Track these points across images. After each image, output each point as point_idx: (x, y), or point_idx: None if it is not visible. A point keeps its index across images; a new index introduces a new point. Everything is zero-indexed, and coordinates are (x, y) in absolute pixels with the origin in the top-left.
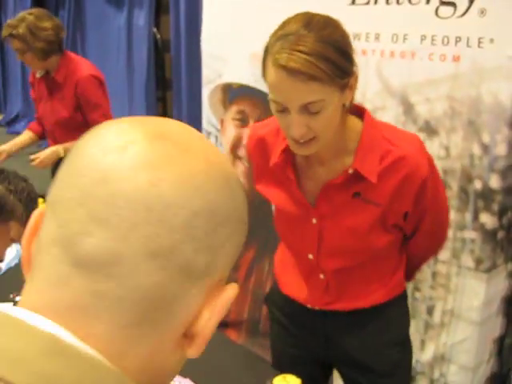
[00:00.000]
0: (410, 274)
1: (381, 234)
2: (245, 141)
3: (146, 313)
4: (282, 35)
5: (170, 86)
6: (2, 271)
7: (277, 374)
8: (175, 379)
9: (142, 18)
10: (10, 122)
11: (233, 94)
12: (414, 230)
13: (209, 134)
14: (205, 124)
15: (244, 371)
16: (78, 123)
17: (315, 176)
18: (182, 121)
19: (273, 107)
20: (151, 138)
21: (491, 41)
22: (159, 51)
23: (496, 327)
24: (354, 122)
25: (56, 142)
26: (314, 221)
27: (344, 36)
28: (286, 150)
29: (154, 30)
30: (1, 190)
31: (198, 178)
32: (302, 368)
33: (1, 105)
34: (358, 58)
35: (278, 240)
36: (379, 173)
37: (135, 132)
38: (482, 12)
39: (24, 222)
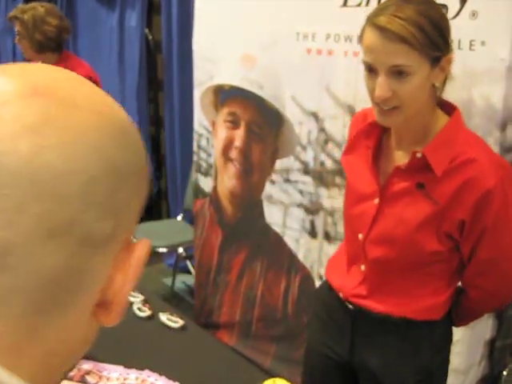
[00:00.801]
0: (459, 318)
1: (431, 237)
2: (237, 143)
3: (49, 297)
4: (383, 5)
5: (161, 87)
6: None
7: (266, 378)
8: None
9: (133, 18)
10: None
11: (224, 95)
12: (471, 255)
13: (200, 135)
14: (196, 126)
15: (233, 374)
16: None
17: (392, 158)
18: (173, 122)
19: (364, 68)
20: (27, 96)
21: (483, 43)
22: (151, 52)
23: (487, 329)
24: (442, 116)
25: None
26: (376, 201)
27: (442, 16)
28: (374, 123)
29: (146, 30)
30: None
31: (89, 135)
32: (327, 371)
33: None
34: (350, 60)
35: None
36: (446, 169)
37: (7, 90)
38: (474, 14)
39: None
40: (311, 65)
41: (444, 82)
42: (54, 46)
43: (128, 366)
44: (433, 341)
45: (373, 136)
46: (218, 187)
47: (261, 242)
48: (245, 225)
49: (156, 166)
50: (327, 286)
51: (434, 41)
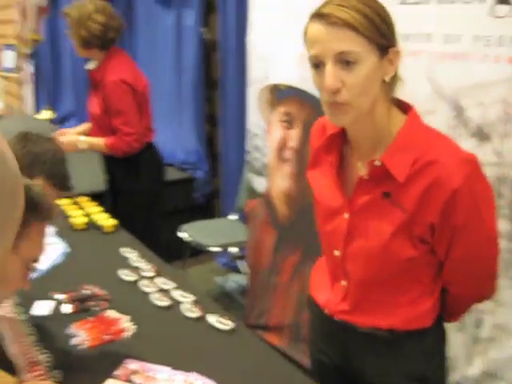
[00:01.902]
0: (448, 315)
1: (405, 245)
2: (291, 143)
3: None
4: (327, 1)
5: (217, 86)
6: (46, 268)
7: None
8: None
9: (190, 17)
10: (62, 121)
11: (280, 95)
12: (446, 255)
13: (255, 135)
14: (248, 124)
15: (283, 378)
16: (106, 124)
17: (356, 169)
18: (228, 121)
19: (311, 66)
20: None
21: None
22: (207, 51)
23: None
24: (398, 116)
25: (93, 134)
26: (346, 215)
27: (385, 10)
28: (334, 136)
29: (202, 29)
30: (38, 188)
31: None
32: (328, 376)
33: (53, 104)
34: (407, 60)
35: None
36: (409, 174)
37: None
38: None
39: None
40: None
41: (395, 80)
42: (100, 44)
43: (175, 367)
44: (425, 348)
45: (334, 150)
46: (272, 188)
47: (313, 244)
48: (298, 226)
49: (211, 165)
50: (311, 300)
51: (379, 28)
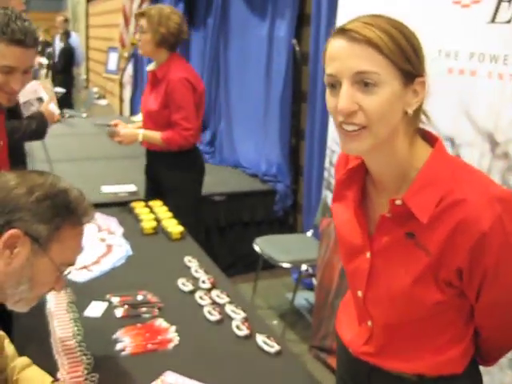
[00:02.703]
0: (483, 359)
1: (430, 289)
2: None
3: None
4: (353, 18)
5: (305, 99)
6: (106, 269)
7: None
8: None
9: (283, 28)
10: None
11: None
12: (477, 299)
13: (332, 152)
14: (329, 141)
15: None
16: (163, 119)
17: (379, 204)
18: (313, 135)
19: (327, 86)
20: None
21: None
22: (297, 63)
23: None
24: (424, 149)
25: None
26: (368, 255)
27: (415, 36)
28: (354, 170)
29: (294, 41)
30: (76, 192)
31: None
32: None
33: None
34: (495, 83)
35: None
36: (434, 214)
37: None
38: None
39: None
40: (451, 85)
41: (418, 113)
42: (171, 43)
43: None
44: None
45: (354, 184)
46: None
47: None
48: None
49: (293, 178)
50: (337, 335)
51: (405, 51)
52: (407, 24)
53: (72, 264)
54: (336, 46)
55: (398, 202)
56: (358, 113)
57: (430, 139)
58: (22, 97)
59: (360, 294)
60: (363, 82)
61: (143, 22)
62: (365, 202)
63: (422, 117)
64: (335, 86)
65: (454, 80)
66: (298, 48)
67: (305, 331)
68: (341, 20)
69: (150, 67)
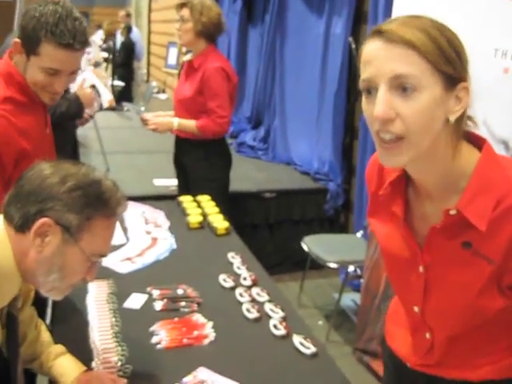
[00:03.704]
0: None
1: (494, 296)
2: None
3: None
4: (390, 19)
5: (360, 97)
6: (149, 262)
7: None
8: None
9: (339, 26)
10: None
11: None
12: None
13: None
14: None
15: None
16: (196, 107)
17: (425, 215)
18: (367, 134)
19: (362, 92)
20: None
21: None
22: (353, 61)
23: None
24: (471, 154)
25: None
26: (421, 269)
27: (458, 38)
28: (395, 182)
29: (350, 39)
30: (109, 182)
31: None
32: None
33: None
34: None
35: None
36: (492, 220)
37: None
38: None
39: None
40: (507, 86)
41: (462, 121)
42: (211, 33)
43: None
44: None
45: (398, 198)
46: None
47: None
48: None
49: (346, 178)
50: (389, 350)
51: (446, 53)
52: (455, 25)
53: (103, 255)
54: (372, 49)
55: (453, 212)
56: (396, 120)
57: (476, 141)
58: (75, 86)
59: (417, 309)
60: (401, 87)
61: (185, 11)
62: (407, 212)
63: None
64: (371, 91)
65: (510, 80)
66: (354, 46)
67: (350, 333)
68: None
69: (187, 57)
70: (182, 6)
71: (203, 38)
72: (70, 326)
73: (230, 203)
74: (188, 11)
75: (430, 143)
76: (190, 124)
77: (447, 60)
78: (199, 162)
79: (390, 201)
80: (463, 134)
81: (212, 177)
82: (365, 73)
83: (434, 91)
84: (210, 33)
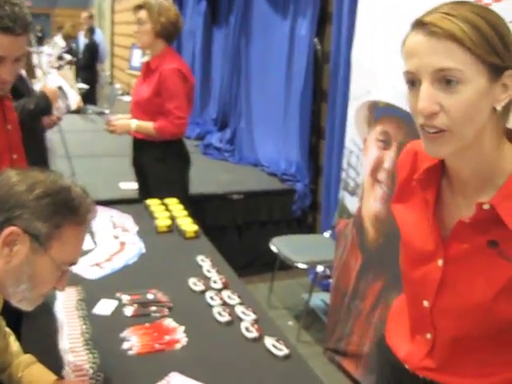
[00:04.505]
0: None
1: (510, 303)
2: (386, 164)
3: None
4: (433, 8)
5: (325, 98)
6: (118, 267)
7: None
8: None
9: (304, 27)
10: None
11: (378, 112)
12: None
13: (351, 152)
14: (347, 142)
15: None
16: (154, 108)
17: (455, 208)
18: (333, 135)
19: (406, 83)
20: None
21: None
22: (318, 62)
23: None
24: (511, 151)
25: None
26: (440, 262)
27: (504, 23)
28: (432, 170)
29: (315, 40)
30: (79, 190)
31: None
32: None
33: None
34: None
35: None
36: None
37: None
38: None
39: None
40: None
41: (508, 109)
42: (170, 34)
43: None
44: None
45: (431, 185)
46: (363, 209)
47: (399, 273)
48: (385, 252)
49: (312, 178)
50: (388, 349)
51: (491, 43)
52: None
53: (73, 263)
54: (414, 42)
55: (486, 207)
56: (440, 114)
57: None
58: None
59: (427, 303)
60: (445, 80)
61: (142, 13)
62: (437, 204)
63: None
64: (415, 84)
65: None
66: (319, 47)
67: (320, 333)
68: (360, 18)
69: (144, 59)
70: (139, 8)
71: (161, 39)
72: (39, 334)
73: (197, 206)
74: (146, 13)
75: (475, 134)
76: (148, 126)
77: (492, 50)
78: (157, 164)
79: (424, 188)
80: (508, 133)
81: (170, 178)
82: (407, 65)
83: (479, 83)
84: (168, 33)
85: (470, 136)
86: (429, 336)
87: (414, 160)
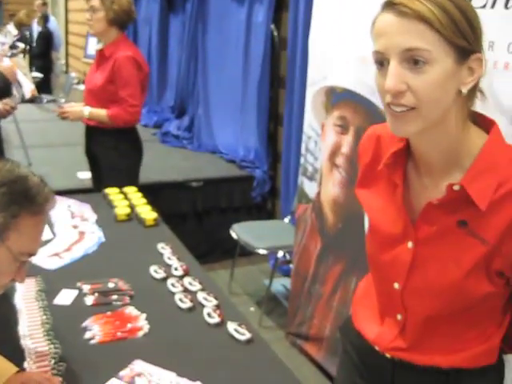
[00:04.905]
0: (509, 346)
1: (481, 280)
2: (344, 149)
3: None
4: None
5: (283, 84)
6: (78, 257)
7: None
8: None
9: (261, 14)
10: None
11: (336, 98)
12: None
13: (309, 138)
14: (306, 127)
15: None
16: (107, 95)
17: (422, 190)
18: (291, 121)
19: (375, 63)
20: None
21: None
22: (275, 49)
23: None
24: (478, 134)
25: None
26: (410, 244)
27: (472, 9)
28: (398, 153)
29: (272, 26)
30: (36, 179)
31: None
32: None
33: None
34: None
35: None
36: (492, 201)
37: None
38: None
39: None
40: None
41: (474, 92)
42: (123, 21)
43: (181, 374)
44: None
45: (398, 169)
46: (322, 194)
47: (358, 257)
48: (344, 236)
49: (271, 164)
50: (356, 333)
51: (459, 26)
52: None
53: (32, 254)
54: (383, 21)
55: (456, 188)
56: (407, 93)
57: (485, 124)
58: None
59: (397, 285)
60: (413, 60)
61: (95, 1)
62: (404, 188)
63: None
64: (383, 63)
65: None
66: (276, 33)
67: (282, 318)
68: (317, 5)
69: (98, 47)
70: None
71: (115, 27)
72: None
73: (157, 193)
74: (98, 1)
75: (440, 114)
76: (101, 113)
77: (460, 33)
78: (109, 151)
79: (391, 172)
80: (473, 116)
81: (121, 166)
82: (376, 45)
83: (446, 64)
84: (121, 21)
85: (436, 116)
86: (399, 317)
87: (376, 145)
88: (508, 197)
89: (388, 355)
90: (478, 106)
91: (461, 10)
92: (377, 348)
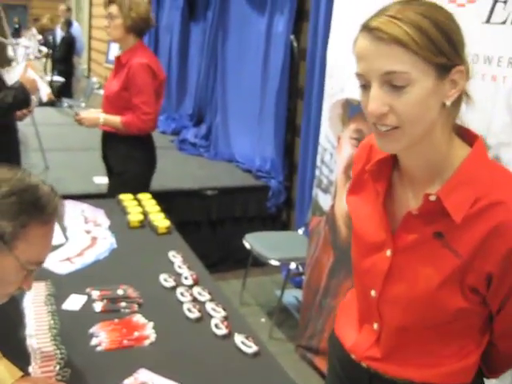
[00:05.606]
0: (491, 371)
1: (454, 294)
2: None
3: None
4: (381, 10)
5: (301, 95)
6: (89, 262)
7: None
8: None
9: (281, 24)
10: None
11: (353, 110)
12: (500, 309)
13: (325, 150)
14: (322, 139)
15: None
16: (122, 102)
17: (405, 200)
18: (309, 132)
19: (360, 88)
20: None
21: None
22: (295, 59)
23: None
24: (461, 146)
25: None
26: (388, 253)
27: (450, 19)
28: (383, 162)
29: (292, 37)
30: (46, 188)
31: None
32: None
33: None
34: (487, 85)
35: None
36: (468, 215)
37: None
38: None
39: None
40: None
41: (458, 104)
42: (140, 29)
43: None
44: None
45: (383, 177)
46: (336, 207)
47: None
48: None
49: (287, 175)
50: (336, 340)
51: (437, 44)
52: (435, 4)
53: (40, 263)
54: (362, 46)
55: (432, 198)
56: (389, 114)
57: (469, 137)
58: (10, 80)
59: (374, 293)
60: (392, 83)
61: (113, 8)
62: (388, 196)
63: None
64: (366, 85)
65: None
66: (295, 44)
67: (292, 330)
68: (336, 16)
69: (117, 53)
70: (109, 2)
71: (132, 34)
72: (5, 329)
73: (172, 201)
74: (116, 7)
75: (426, 129)
76: (115, 119)
77: (438, 51)
78: (121, 158)
79: (375, 179)
80: (458, 129)
81: (130, 174)
82: (358, 68)
83: (426, 82)
84: (139, 28)
85: (421, 131)
86: (375, 326)
87: (368, 154)
88: (484, 212)
89: (364, 364)
90: None
91: (438, 26)
92: (353, 357)
